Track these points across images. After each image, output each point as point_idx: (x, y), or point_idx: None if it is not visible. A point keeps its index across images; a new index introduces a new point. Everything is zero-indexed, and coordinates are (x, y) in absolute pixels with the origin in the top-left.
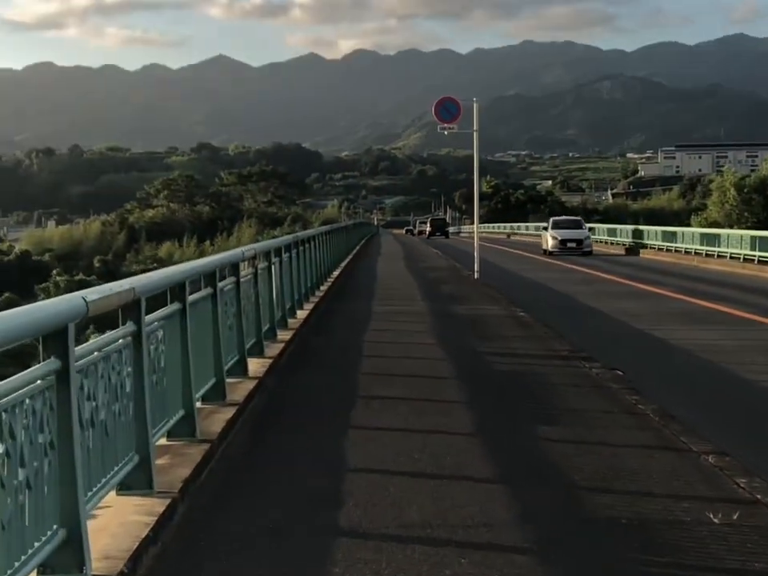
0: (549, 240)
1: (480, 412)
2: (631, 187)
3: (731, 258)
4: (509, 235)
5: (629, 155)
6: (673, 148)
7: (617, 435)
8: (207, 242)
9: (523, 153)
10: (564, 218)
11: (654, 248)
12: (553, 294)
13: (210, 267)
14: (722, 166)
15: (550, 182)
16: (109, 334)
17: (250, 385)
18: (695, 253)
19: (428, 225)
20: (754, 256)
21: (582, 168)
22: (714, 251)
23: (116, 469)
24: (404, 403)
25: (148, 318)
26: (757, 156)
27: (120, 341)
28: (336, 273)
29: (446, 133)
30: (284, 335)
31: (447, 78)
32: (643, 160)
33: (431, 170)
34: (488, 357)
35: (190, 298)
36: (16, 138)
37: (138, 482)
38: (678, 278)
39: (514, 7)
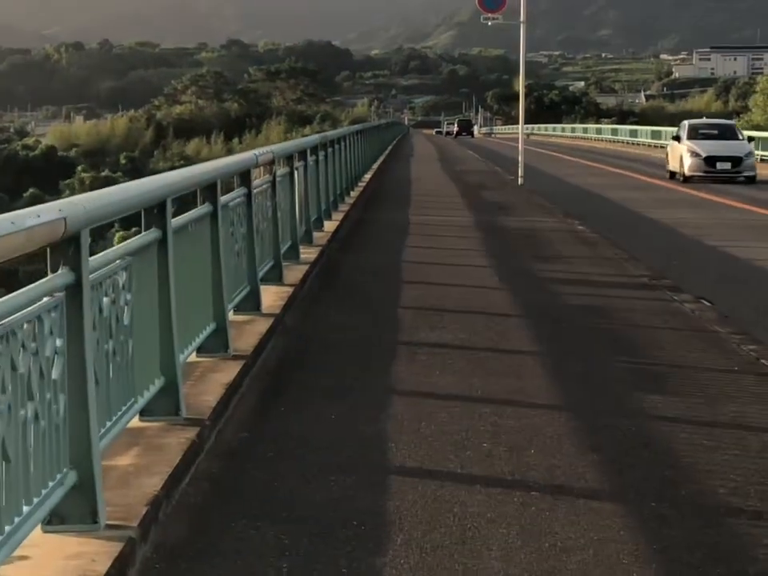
0: (686, 157)
1: (561, 370)
2: (665, 89)
3: None
4: (528, 135)
5: (663, 57)
6: (708, 50)
7: (754, 412)
8: (235, 140)
9: (556, 53)
10: (706, 120)
11: None
12: (607, 203)
13: (208, 178)
14: (759, 69)
15: (582, 83)
16: (23, 291)
17: (262, 326)
18: None
19: (455, 125)
20: None
21: (614, 69)
22: None
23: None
24: (460, 354)
25: (98, 258)
26: None
27: (44, 300)
28: (368, 176)
29: (489, 23)
30: (308, 254)
31: None
32: (678, 62)
33: (462, 70)
34: (554, 285)
35: (176, 221)
36: (45, 32)
37: (75, 512)
38: None
39: None
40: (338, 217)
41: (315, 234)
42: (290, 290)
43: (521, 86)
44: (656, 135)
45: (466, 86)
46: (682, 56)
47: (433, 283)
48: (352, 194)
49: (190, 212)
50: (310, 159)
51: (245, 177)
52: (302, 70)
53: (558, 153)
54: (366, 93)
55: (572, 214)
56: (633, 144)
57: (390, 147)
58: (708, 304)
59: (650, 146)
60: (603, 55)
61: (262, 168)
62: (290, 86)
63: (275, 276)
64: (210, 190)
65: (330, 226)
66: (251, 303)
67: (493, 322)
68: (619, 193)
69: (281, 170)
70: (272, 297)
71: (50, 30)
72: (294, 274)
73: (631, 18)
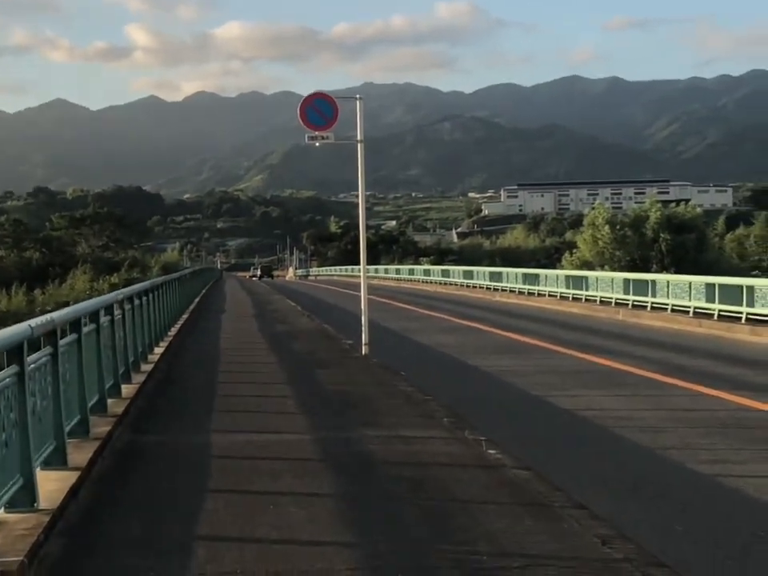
0: None
1: None
2: (476, 226)
3: None
4: (316, 276)
5: (471, 194)
6: (515, 187)
7: None
8: (38, 291)
9: (367, 193)
10: None
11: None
12: (487, 381)
13: None
14: (566, 205)
15: (394, 222)
16: None
17: None
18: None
19: (259, 270)
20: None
21: (425, 208)
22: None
23: None
24: None
25: None
26: (597, 194)
27: None
28: (160, 350)
29: (317, 144)
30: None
31: (289, 120)
32: (485, 199)
33: (275, 212)
34: None
35: None
36: None
37: None
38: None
39: (358, 49)
40: (84, 455)
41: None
42: None
43: (361, 212)
44: (495, 277)
45: (280, 228)
46: (489, 193)
47: None
48: (127, 389)
49: None
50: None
51: None
52: (108, 215)
53: (389, 299)
54: (178, 237)
55: (458, 415)
56: (467, 287)
57: (197, 299)
58: None
59: (489, 288)
60: (413, 194)
61: None
62: (95, 232)
63: None
64: None
65: (62, 482)
66: None
67: None
68: (492, 360)
69: None
70: None
71: None
72: None
73: (439, 158)
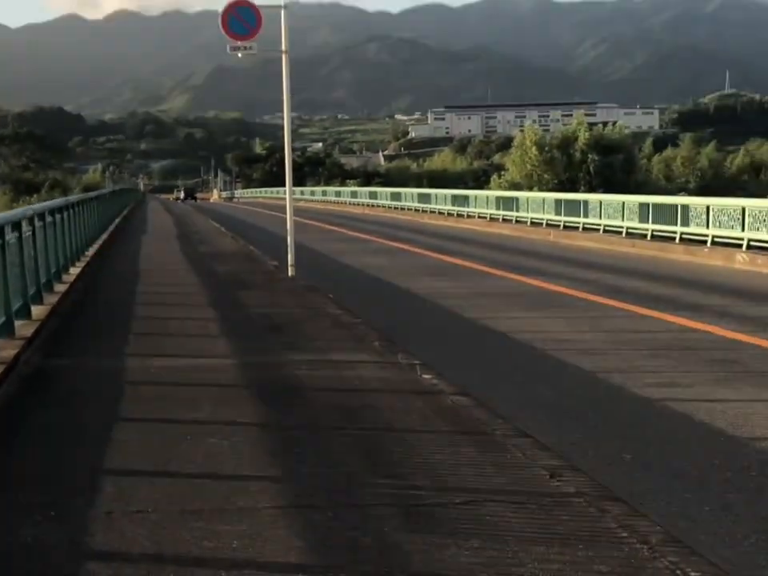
0: None
1: None
2: (402, 149)
3: None
4: (239, 199)
5: (397, 117)
6: (442, 109)
7: None
8: None
9: (293, 115)
10: None
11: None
12: (416, 301)
13: None
14: (493, 127)
15: (320, 144)
16: None
17: None
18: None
19: (182, 192)
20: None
21: (351, 130)
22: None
23: None
24: None
25: None
26: (524, 116)
27: None
28: (77, 270)
29: (239, 55)
30: None
31: (211, 39)
32: (412, 122)
33: (199, 133)
34: None
35: None
36: None
37: None
38: None
39: None
40: None
41: None
42: None
43: (285, 126)
44: (424, 199)
45: (204, 150)
46: (416, 116)
47: None
48: (38, 311)
49: None
50: None
51: None
52: (28, 136)
53: (315, 221)
54: (101, 158)
55: (390, 339)
56: (396, 209)
57: (117, 220)
58: None
59: (417, 210)
60: (339, 116)
61: None
62: (14, 152)
63: None
64: None
65: None
66: None
67: None
68: (424, 282)
69: None
70: None
71: None
72: None
73: (365, 79)
